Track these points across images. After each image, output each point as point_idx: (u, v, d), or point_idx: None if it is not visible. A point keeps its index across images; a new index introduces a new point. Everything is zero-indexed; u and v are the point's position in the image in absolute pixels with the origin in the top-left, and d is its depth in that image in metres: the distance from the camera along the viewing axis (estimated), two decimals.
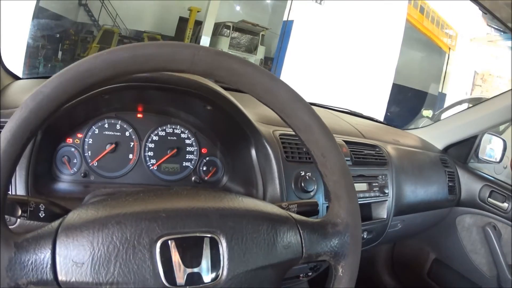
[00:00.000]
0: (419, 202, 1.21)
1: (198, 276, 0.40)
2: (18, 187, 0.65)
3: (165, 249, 0.39)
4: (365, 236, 1.04)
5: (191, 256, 0.40)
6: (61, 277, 0.37)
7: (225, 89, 0.79)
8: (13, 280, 0.36)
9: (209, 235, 0.41)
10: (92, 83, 0.38)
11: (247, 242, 0.42)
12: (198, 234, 0.41)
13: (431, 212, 1.31)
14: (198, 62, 0.41)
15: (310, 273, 0.99)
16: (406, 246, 1.64)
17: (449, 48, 11.04)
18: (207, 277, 0.40)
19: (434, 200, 1.28)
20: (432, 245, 1.54)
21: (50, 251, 0.37)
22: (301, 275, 0.96)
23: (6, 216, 0.39)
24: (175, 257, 0.39)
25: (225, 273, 0.40)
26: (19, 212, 0.45)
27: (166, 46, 0.40)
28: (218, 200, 0.46)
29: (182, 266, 0.39)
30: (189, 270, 0.39)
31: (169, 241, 0.39)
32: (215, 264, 0.40)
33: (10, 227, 0.38)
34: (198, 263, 0.40)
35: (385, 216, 1.07)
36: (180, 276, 0.39)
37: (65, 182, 0.79)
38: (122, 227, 0.39)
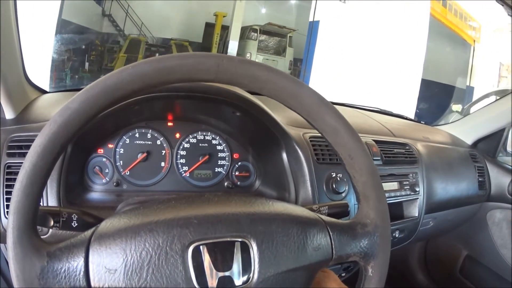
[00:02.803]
0: (450, 199, 1.20)
1: (230, 279, 0.40)
2: (50, 199, 0.67)
3: (197, 254, 0.40)
4: (396, 235, 1.03)
5: (222, 260, 0.41)
6: (94, 283, 0.38)
7: (253, 93, 0.79)
8: None
9: (240, 240, 0.42)
10: (119, 96, 0.40)
11: (278, 245, 0.43)
12: (229, 239, 0.41)
13: (462, 209, 1.29)
14: (223, 71, 0.42)
15: (343, 274, 0.99)
16: (438, 243, 1.62)
17: (474, 41, 10.74)
18: (238, 280, 0.41)
19: (465, 196, 1.26)
20: (464, 242, 1.51)
21: (83, 259, 0.38)
22: None
23: (38, 227, 0.40)
24: (207, 261, 0.40)
25: (256, 276, 0.41)
26: (51, 223, 0.47)
27: (191, 57, 0.41)
28: (249, 205, 0.46)
29: (213, 270, 0.40)
30: (220, 274, 0.40)
31: (201, 246, 0.40)
32: (246, 267, 0.41)
33: (42, 237, 0.40)
34: (229, 267, 0.41)
35: (416, 214, 1.06)
36: (212, 280, 0.40)
37: (98, 192, 0.82)
38: (155, 234, 0.40)
